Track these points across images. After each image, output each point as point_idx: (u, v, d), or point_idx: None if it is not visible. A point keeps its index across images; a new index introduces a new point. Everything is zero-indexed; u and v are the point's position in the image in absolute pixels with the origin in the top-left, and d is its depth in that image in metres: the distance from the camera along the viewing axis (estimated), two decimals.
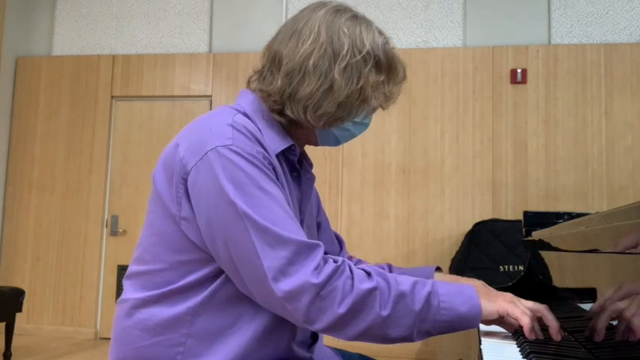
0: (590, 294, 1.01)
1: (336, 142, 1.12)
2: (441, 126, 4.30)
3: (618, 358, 0.80)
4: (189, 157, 0.95)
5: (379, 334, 0.90)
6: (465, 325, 0.91)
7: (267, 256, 0.88)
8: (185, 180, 0.95)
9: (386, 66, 1.06)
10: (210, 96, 4.68)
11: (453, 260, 3.97)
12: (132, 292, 1.01)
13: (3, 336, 3.63)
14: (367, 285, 0.90)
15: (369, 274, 0.92)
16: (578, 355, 0.85)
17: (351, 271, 0.91)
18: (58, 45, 5.06)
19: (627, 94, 4.10)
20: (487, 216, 4.12)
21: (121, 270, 4.60)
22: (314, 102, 1.01)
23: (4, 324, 3.61)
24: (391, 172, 4.32)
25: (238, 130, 0.95)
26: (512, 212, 4.11)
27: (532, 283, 1.58)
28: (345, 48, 1.01)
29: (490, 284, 1.20)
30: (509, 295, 0.96)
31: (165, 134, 4.67)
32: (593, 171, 4.08)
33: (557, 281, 1.34)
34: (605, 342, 0.86)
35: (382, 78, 1.06)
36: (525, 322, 0.90)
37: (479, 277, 1.21)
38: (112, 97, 4.81)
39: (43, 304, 4.67)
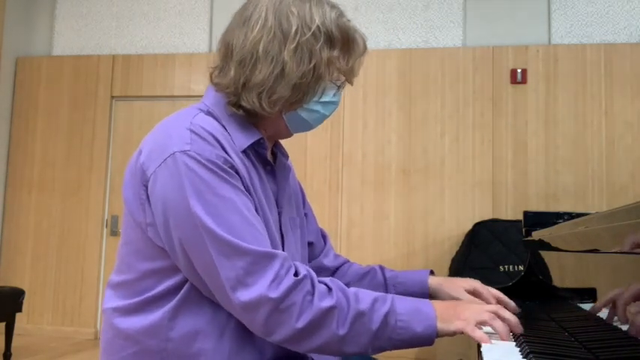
0: (590, 294, 1.01)
1: (308, 126, 1.09)
2: (441, 126, 4.30)
3: (618, 358, 0.80)
4: (149, 162, 0.95)
5: (335, 349, 0.92)
6: (420, 343, 0.93)
7: (224, 266, 0.88)
8: (146, 187, 0.95)
9: (340, 40, 1.03)
10: None
11: (453, 260, 3.97)
12: (111, 301, 1.02)
13: (3, 336, 3.62)
14: (327, 303, 0.90)
15: (330, 289, 0.92)
16: (578, 355, 0.85)
17: (312, 286, 0.91)
18: (58, 45, 5.05)
19: (627, 94, 4.09)
20: (487, 216, 4.12)
21: None
22: (267, 87, 0.99)
23: (4, 324, 3.60)
24: (391, 172, 4.32)
25: (196, 134, 0.95)
26: (512, 212, 4.10)
27: (532, 283, 1.58)
28: (294, 28, 0.99)
29: (490, 284, 1.20)
30: (466, 311, 0.95)
31: None
32: (593, 171, 4.08)
33: (557, 281, 1.35)
34: (605, 342, 0.86)
35: (336, 53, 1.03)
36: (476, 336, 0.91)
37: (479, 278, 1.21)
38: (112, 97, 4.81)
39: (43, 304, 4.67)
